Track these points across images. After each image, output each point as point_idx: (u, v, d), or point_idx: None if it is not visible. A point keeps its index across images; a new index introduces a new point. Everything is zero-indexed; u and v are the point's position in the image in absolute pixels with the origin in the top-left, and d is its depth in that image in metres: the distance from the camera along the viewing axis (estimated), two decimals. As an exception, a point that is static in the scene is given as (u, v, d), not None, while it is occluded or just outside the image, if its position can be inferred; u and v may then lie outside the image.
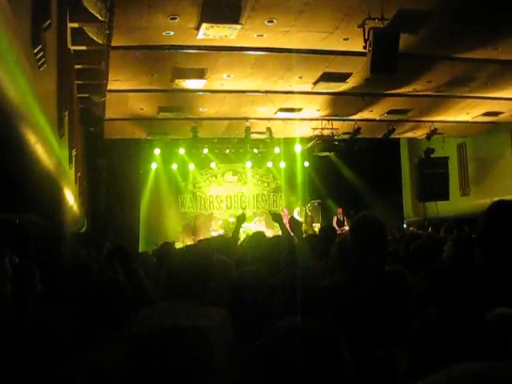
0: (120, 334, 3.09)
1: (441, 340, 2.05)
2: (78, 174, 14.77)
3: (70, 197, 11.90)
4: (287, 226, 7.55)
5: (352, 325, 3.69)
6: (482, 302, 2.50)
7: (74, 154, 12.57)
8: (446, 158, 22.59)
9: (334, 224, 21.48)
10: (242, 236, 15.03)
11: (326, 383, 2.02)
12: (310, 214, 24.02)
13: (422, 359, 2.04)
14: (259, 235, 7.26)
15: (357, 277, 4.08)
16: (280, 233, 7.51)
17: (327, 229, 8.82)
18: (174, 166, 24.08)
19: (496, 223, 3.29)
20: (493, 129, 21.13)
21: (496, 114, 18.95)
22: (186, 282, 3.81)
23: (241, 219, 7.73)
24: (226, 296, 3.88)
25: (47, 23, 5.88)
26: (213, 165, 24.97)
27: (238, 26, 10.70)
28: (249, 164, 25.15)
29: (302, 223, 7.93)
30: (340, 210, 22.25)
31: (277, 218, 7.42)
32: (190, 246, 4.76)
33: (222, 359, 1.80)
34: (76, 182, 14.20)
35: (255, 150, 24.06)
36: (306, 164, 24.89)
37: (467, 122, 20.27)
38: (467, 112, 18.78)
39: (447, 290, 3.35)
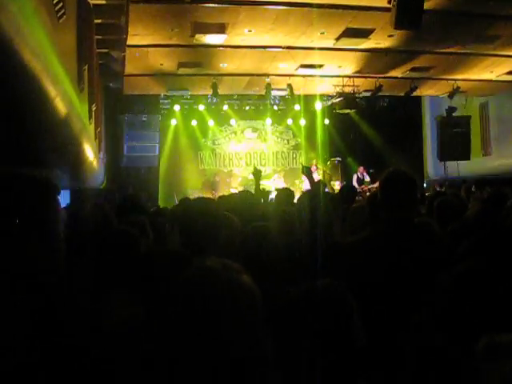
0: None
1: (472, 293, 2.00)
2: (98, 130, 14.75)
3: (90, 152, 11.90)
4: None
5: (380, 278, 3.67)
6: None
7: (93, 109, 12.53)
8: (468, 117, 22.35)
9: (355, 182, 21.42)
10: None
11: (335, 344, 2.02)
12: (328, 171, 23.90)
13: (452, 314, 1.99)
14: (286, 191, 7.28)
15: (386, 231, 4.04)
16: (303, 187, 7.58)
17: (347, 188, 8.78)
18: (194, 123, 24.02)
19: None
20: (516, 88, 20.85)
21: (520, 72, 18.69)
22: (198, 236, 3.80)
23: (257, 174, 7.70)
24: (239, 252, 3.87)
25: (67, -26, 5.78)
26: (232, 121, 24.88)
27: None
28: (269, 121, 25.06)
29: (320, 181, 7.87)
30: (361, 168, 22.13)
31: (307, 171, 7.40)
32: (197, 200, 4.70)
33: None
34: (96, 138, 14.19)
35: (275, 107, 23.93)
36: (327, 122, 24.73)
37: (491, 81, 19.98)
38: (491, 70, 18.49)
39: (474, 245, 3.31)
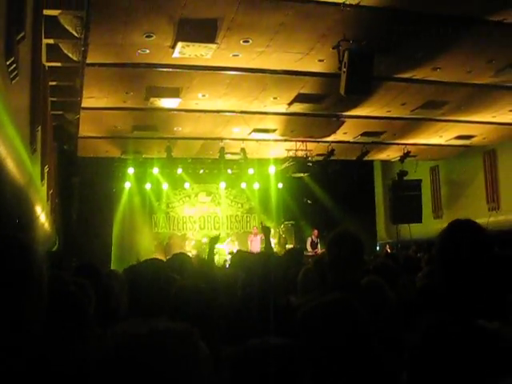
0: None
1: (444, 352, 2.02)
2: (50, 191, 14.65)
3: (42, 214, 11.79)
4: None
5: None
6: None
7: (46, 170, 12.47)
8: (419, 181, 22.72)
9: (308, 246, 21.53)
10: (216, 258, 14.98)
11: None
12: (283, 235, 24.02)
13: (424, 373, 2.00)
14: (241, 254, 7.31)
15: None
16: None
17: (292, 251, 8.83)
18: (148, 186, 23.97)
19: (450, 242, 3.30)
20: (465, 152, 21.35)
21: (468, 137, 19.15)
22: (147, 298, 3.80)
23: (214, 240, 7.70)
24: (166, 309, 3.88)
25: (21, 35, 5.83)
26: (187, 185, 24.91)
27: (214, 46, 10.73)
28: (223, 185, 25.14)
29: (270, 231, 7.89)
30: (315, 231, 22.23)
31: (266, 230, 7.43)
32: (147, 262, 4.69)
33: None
34: (48, 199, 14.07)
35: (229, 171, 24.05)
36: (280, 185, 24.92)
37: (440, 145, 20.44)
38: (440, 135, 18.95)
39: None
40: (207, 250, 7.68)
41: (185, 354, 1.69)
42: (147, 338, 1.72)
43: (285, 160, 21.51)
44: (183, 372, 1.66)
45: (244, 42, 11.03)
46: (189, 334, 1.75)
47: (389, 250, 17.88)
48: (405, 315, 3.40)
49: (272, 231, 23.67)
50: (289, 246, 22.91)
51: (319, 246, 21.45)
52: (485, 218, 16.92)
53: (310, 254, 20.14)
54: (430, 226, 22.72)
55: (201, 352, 1.75)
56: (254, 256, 5.80)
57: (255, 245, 21.22)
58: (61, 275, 4.09)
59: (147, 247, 23.61)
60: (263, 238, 21.22)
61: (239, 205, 26.47)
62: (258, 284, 4.67)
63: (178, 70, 12.47)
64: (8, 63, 5.38)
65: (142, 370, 1.62)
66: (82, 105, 13.98)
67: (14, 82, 5.84)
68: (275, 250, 22.19)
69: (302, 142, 19.59)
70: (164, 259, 20.11)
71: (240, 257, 7.37)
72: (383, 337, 3.49)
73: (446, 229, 3.36)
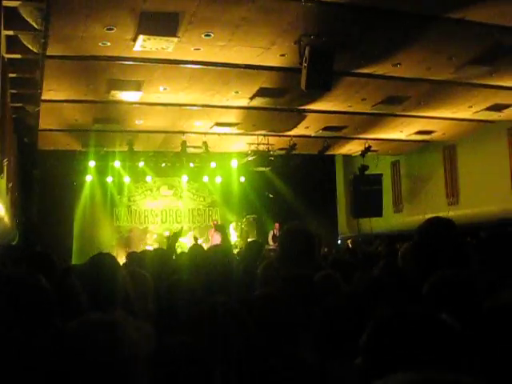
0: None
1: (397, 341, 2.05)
2: (10, 185, 14.51)
3: (1, 207, 11.70)
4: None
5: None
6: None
7: (5, 163, 12.34)
8: (380, 175, 22.91)
9: (270, 239, 21.57)
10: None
11: None
12: (245, 228, 24.04)
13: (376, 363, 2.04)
14: (197, 247, 7.32)
15: (283, 291, 4.04)
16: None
17: (252, 244, 8.85)
18: (109, 179, 23.80)
19: (428, 237, 3.40)
20: (425, 147, 21.57)
21: (428, 132, 19.36)
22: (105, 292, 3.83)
23: (177, 234, 7.70)
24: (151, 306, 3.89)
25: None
26: (148, 178, 24.78)
27: (175, 39, 10.71)
28: (185, 178, 25.06)
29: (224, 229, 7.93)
30: (277, 225, 22.16)
31: (221, 229, 7.45)
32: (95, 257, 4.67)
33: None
34: (7, 193, 13.95)
35: (191, 164, 23.95)
36: (242, 179, 24.92)
37: (401, 140, 20.63)
38: (401, 130, 19.13)
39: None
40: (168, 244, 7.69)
41: (109, 342, 1.75)
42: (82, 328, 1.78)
43: (247, 154, 21.55)
44: (107, 357, 1.72)
45: (206, 35, 11.02)
46: (115, 325, 1.82)
47: (350, 245, 18.00)
48: (356, 306, 3.44)
49: (234, 224, 23.79)
50: (250, 240, 22.92)
51: (281, 239, 21.44)
52: (444, 213, 17.17)
53: (271, 247, 20.17)
54: (391, 219, 23.00)
55: (125, 341, 1.80)
56: (212, 250, 5.79)
57: (216, 238, 21.20)
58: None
59: (109, 241, 23.46)
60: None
61: (201, 198, 26.42)
62: (220, 278, 4.69)
63: (139, 62, 12.42)
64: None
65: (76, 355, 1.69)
66: (42, 97, 13.85)
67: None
68: (237, 243, 22.27)
69: (264, 136, 19.63)
70: (124, 253, 20.15)
71: (196, 251, 7.38)
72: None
73: (425, 224, 3.48)
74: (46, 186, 21.50)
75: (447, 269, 3.00)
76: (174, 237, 7.62)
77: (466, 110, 16.77)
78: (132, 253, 9.61)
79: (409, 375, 1.36)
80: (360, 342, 2.07)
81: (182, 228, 8.05)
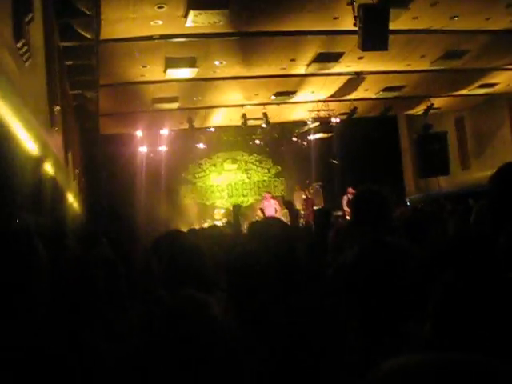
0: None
1: (465, 304, 1.96)
2: (76, 171, 14.72)
3: (69, 194, 11.87)
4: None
5: (368, 301, 3.65)
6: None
7: (70, 150, 12.52)
8: (445, 133, 22.54)
9: (345, 204, 20.87)
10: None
11: None
12: (310, 197, 23.84)
13: (447, 326, 1.96)
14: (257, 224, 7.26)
15: (363, 253, 3.98)
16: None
17: (320, 212, 8.77)
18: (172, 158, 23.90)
19: (504, 186, 3.27)
20: (489, 101, 21.08)
21: (492, 85, 18.92)
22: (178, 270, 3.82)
23: (236, 211, 7.65)
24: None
25: (30, 17, 5.80)
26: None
27: (227, 11, 10.62)
28: (248, 151, 25.10)
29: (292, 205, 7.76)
30: (350, 189, 21.32)
31: (288, 205, 7.37)
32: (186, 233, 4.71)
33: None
34: (74, 179, 14.15)
35: (253, 137, 23.97)
36: (305, 147, 24.78)
37: (464, 96, 20.21)
38: (462, 85, 18.73)
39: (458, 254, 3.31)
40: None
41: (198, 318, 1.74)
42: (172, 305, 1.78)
43: (308, 121, 21.41)
44: (198, 333, 1.70)
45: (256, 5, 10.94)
46: (203, 302, 1.80)
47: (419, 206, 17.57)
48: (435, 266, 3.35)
49: (300, 193, 23.57)
50: (317, 208, 22.70)
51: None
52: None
53: (347, 212, 19.57)
54: (459, 177, 22.59)
55: (213, 317, 1.78)
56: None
57: (270, 210, 21.01)
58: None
59: (177, 219, 23.58)
60: (276, 203, 21.37)
61: (266, 170, 26.41)
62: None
63: (192, 38, 12.40)
64: (19, 46, 5.36)
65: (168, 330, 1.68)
66: (101, 82, 13.98)
67: (27, 64, 5.83)
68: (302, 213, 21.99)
69: (324, 102, 19.47)
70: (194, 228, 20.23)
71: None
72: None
73: (500, 171, 3.34)
74: (111, 171, 21.72)
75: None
76: (234, 213, 7.58)
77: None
78: (200, 229, 9.62)
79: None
80: (428, 307, 1.99)
81: (239, 205, 7.94)
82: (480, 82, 18.54)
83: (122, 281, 4.25)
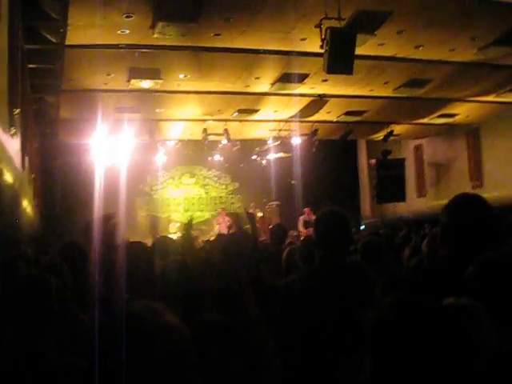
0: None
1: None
2: (33, 176, 14.52)
3: (24, 199, 11.68)
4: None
5: (316, 320, 3.68)
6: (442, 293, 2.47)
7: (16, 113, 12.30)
8: (403, 160, 22.78)
9: (301, 225, 20.88)
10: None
11: None
12: (267, 215, 23.85)
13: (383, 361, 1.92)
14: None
15: (320, 269, 4.07)
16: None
17: (278, 228, 8.84)
18: (130, 169, 23.72)
19: (459, 214, 3.31)
20: (448, 131, 21.37)
21: (452, 115, 19.17)
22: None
23: (188, 226, 7.60)
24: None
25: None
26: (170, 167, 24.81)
27: (195, 25, 10.60)
28: (207, 166, 25.08)
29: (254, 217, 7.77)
30: (307, 209, 21.47)
31: (249, 216, 7.36)
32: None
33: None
34: (30, 184, 13.95)
35: (213, 152, 23.94)
36: (265, 165, 24.78)
37: (423, 124, 20.45)
38: (423, 114, 18.94)
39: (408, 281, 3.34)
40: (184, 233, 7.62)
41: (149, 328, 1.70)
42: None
43: (268, 140, 21.49)
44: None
45: (225, 20, 10.93)
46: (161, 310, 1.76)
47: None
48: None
49: (259, 213, 23.58)
50: (275, 224, 22.62)
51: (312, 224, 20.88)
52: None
53: (302, 233, 19.56)
54: (414, 204, 22.84)
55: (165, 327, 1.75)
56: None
57: (222, 227, 21.11)
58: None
59: (130, 230, 23.38)
60: (229, 221, 21.44)
61: (223, 186, 26.39)
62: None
63: (159, 50, 12.35)
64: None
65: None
66: (63, 87, 13.83)
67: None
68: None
69: (286, 122, 19.53)
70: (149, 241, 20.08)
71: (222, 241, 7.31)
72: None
73: (455, 201, 3.38)
74: (67, 177, 21.47)
75: (485, 249, 2.88)
76: (187, 228, 7.54)
77: (489, 92, 16.55)
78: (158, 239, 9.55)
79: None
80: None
81: (190, 221, 7.90)
82: (440, 112, 18.78)
83: (69, 289, 4.20)
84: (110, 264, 4.16)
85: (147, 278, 4.03)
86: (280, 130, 20.14)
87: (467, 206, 3.36)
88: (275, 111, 18.05)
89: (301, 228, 20.57)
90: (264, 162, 24.53)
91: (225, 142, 20.61)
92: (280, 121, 19.47)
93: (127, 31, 11.20)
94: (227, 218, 22.07)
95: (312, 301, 3.84)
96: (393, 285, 4.23)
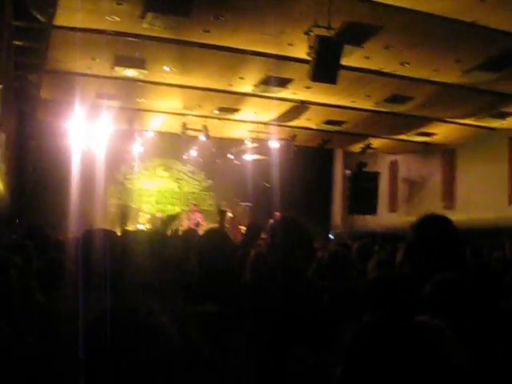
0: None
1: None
2: (7, 153, 14.44)
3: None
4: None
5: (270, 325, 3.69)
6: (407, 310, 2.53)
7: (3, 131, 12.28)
8: (377, 174, 22.90)
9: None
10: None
11: None
12: (236, 215, 23.85)
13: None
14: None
15: (269, 279, 4.06)
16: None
17: (254, 226, 8.84)
18: (106, 155, 23.61)
19: (425, 234, 3.37)
20: (425, 149, 21.53)
21: (430, 134, 19.32)
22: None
23: (170, 220, 7.58)
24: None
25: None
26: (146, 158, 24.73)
27: (185, 19, 10.60)
28: (182, 160, 25.03)
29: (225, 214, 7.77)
30: (277, 214, 21.45)
31: (222, 213, 7.38)
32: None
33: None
34: (4, 161, 13.88)
35: (190, 147, 23.90)
36: (240, 166, 24.78)
37: (401, 140, 20.59)
38: (402, 130, 19.08)
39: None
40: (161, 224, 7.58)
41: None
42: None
43: (246, 141, 21.54)
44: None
45: (216, 18, 10.95)
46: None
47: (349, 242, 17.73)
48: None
49: (229, 213, 23.59)
50: (241, 227, 22.66)
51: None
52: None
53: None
54: (385, 218, 22.98)
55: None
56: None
57: (192, 223, 21.14)
58: None
59: (100, 216, 23.27)
60: (201, 217, 21.50)
61: (197, 182, 26.34)
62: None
63: (146, 40, 12.32)
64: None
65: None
66: (46, 67, 13.76)
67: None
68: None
69: (265, 124, 19.56)
70: (118, 229, 19.96)
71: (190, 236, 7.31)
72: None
73: (422, 220, 3.45)
74: (43, 158, 21.35)
75: (447, 269, 2.95)
76: (167, 222, 7.50)
77: (469, 115, 16.73)
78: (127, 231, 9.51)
79: None
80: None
81: (173, 215, 7.89)
82: (419, 130, 18.93)
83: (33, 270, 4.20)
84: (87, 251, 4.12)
85: (124, 266, 4.02)
86: (259, 132, 20.16)
87: (433, 226, 3.44)
88: (255, 113, 18.08)
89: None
90: (239, 162, 24.54)
91: (203, 138, 20.57)
92: (259, 123, 19.50)
93: (117, 18, 11.16)
94: (198, 215, 22.09)
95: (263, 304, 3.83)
96: (354, 295, 4.27)
